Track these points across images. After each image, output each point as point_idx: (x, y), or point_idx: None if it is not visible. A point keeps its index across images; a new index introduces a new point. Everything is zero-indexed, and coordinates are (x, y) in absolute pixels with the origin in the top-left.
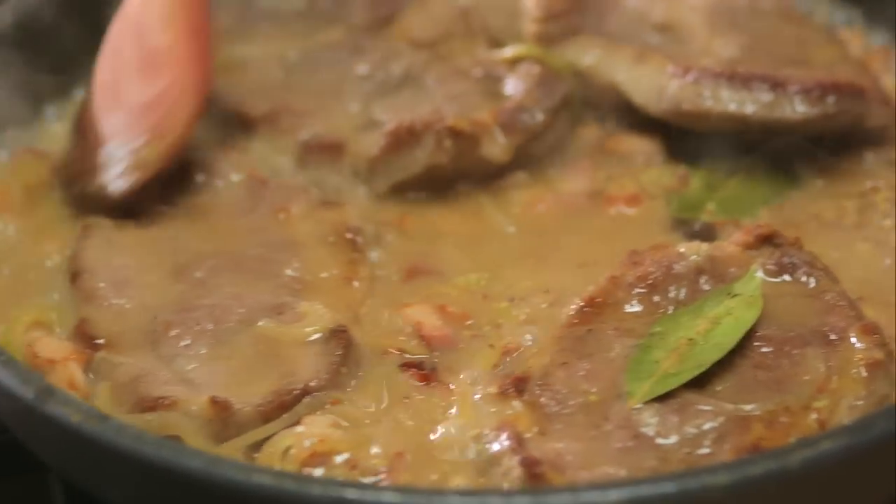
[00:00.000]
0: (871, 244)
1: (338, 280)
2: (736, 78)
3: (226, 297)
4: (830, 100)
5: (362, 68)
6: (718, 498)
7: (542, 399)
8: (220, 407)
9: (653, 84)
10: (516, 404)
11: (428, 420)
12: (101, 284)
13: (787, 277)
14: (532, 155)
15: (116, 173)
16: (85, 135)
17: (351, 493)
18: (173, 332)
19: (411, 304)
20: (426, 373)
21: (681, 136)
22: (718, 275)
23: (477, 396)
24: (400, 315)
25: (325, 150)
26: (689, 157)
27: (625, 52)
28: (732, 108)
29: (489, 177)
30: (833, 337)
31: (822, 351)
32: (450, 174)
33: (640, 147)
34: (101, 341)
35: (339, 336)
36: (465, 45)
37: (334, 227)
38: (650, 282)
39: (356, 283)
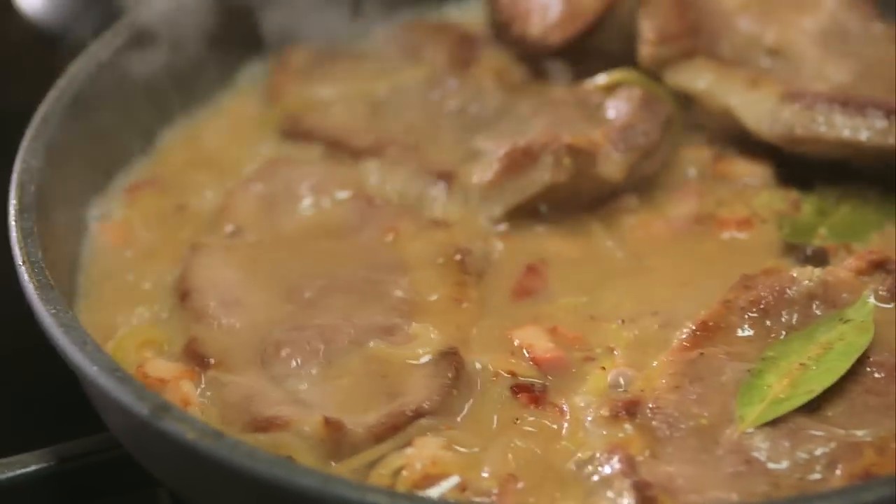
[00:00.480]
0: None
1: (447, 302)
2: (850, 104)
3: (336, 318)
4: None
5: (452, 104)
6: None
7: (654, 422)
8: (333, 427)
9: (766, 109)
10: (628, 427)
11: (539, 442)
12: (211, 303)
13: None
14: (643, 175)
15: (553, 20)
16: None
17: None
18: (284, 352)
19: (522, 326)
20: (537, 395)
21: (792, 161)
22: (831, 300)
23: (589, 419)
24: (510, 337)
25: (436, 179)
26: (799, 182)
27: (738, 77)
28: (846, 134)
29: (601, 199)
30: None
31: None
32: (566, 196)
33: (752, 171)
34: (211, 360)
35: (449, 358)
36: (547, 83)
37: (443, 248)
38: (762, 306)
39: (465, 305)
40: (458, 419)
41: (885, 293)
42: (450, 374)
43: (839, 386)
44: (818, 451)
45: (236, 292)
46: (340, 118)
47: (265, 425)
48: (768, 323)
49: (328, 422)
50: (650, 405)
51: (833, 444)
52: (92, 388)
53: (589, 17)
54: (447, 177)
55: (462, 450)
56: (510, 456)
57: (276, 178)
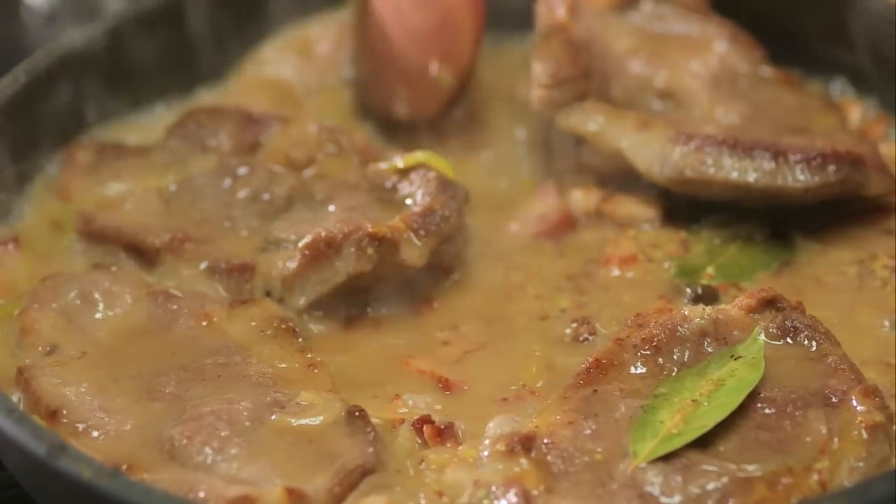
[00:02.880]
0: (870, 307)
1: (302, 368)
2: (738, 146)
3: (218, 403)
4: (831, 169)
5: (244, 192)
6: None
7: (549, 457)
8: (295, 496)
9: (656, 151)
10: (524, 462)
11: (451, 481)
12: (85, 416)
13: (789, 340)
14: (445, 257)
15: (419, 98)
16: (374, 63)
17: None
18: (196, 441)
19: (412, 357)
20: (439, 427)
21: (681, 202)
22: (722, 337)
23: (485, 453)
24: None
25: (234, 274)
26: (687, 222)
27: (629, 119)
28: (735, 176)
29: (404, 283)
30: (834, 399)
31: (824, 413)
32: (368, 283)
33: (640, 211)
34: (123, 466)
35: (359, 415)
36: (338, 162)
37: (265, 321)
38: (655, 344)
39: (317, 370)
40: (390, 471)
41: (775, 330)
42: (368, 429)
43: (731, 422)
44: (710, 486)
45: (96, 403)
46: (133, 215)
47: None
48: (661, 360)
49: (290, 491)
50: (545, 440)
51: (725, 479)
52: None
53: (448, 92)
54: (246, 269)
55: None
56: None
57: (61, 292)
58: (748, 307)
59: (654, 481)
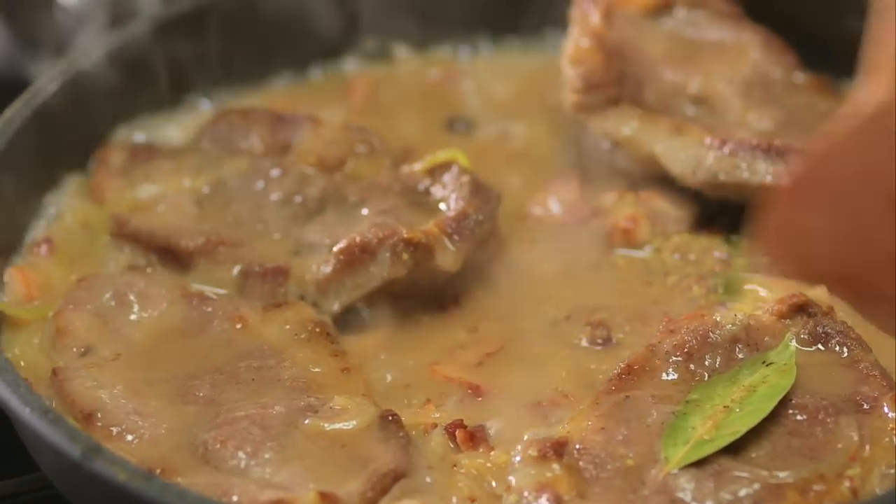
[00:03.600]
0: None
1: (335, 372)
2: (772, 150)
3: (252, 407)
4: None
5: (276, 194)
6: None
7: (581, 463)
8: (329, 500)
9: (690, 155)
10: (555, 467)
11: (481, 486)
12: (119, 419)
13: (820, 346)
14: (478, 263)
15: None
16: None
17: None
18: (230, 446)
19: (437, 364)
20: (472, 432)
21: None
22: (753, 343)
23: (517, 458)
24: (434, 374)
25: (268, 277)
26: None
27: (663, 124)
28: (769, 180)
29: (438, 287)
30: (866, 406)
31: (855, 419)
32: (403, 288)
33: (671, 210)
34: (157, 470)
35: (392, 420)
36: (370, 163)
37: (299, 324)
38: (686, 350)
39: (353, 372)
40: (423, 475)
41: (806, 336)
42: (401, 434)
43: (762, 428)
44: (742, 492)
45: (131, 406)
46: (166, 218)
47: None
48: (692, 366)
49: (324, 495)
50: (577, 446)
51: (756, 486)
52: (24, 429)
53: None
54: (280, 273)
55: None
56: None
57: (96, 293)
58: (779, 313)
59: (685, 487)
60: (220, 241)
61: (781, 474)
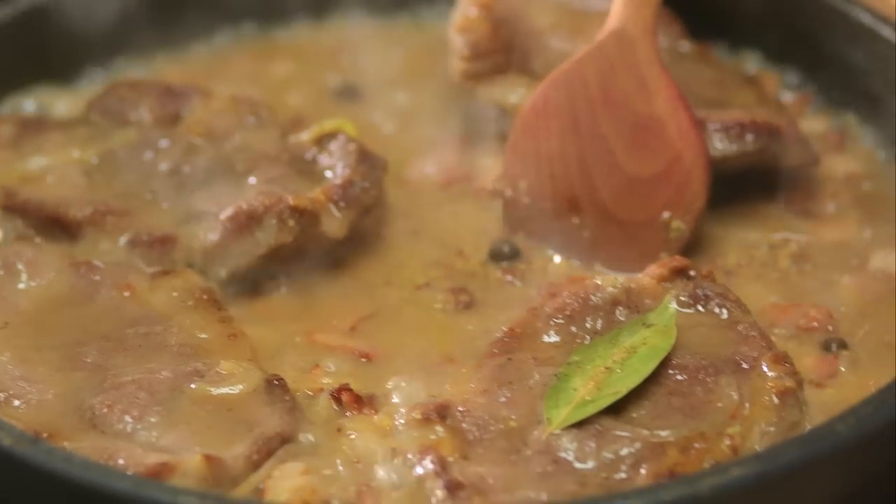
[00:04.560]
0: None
1: (222, 337)
2: None
3: (139, 373)
4: (749, 138)
5: (165, 165)
6: None
7: (464, 425)
8: (213, 463)
9: None
10: (439, 430)
11: (365, 448)
12: (2, 386)
13: (700, 308)
14: (365, 230)
15: (645, 251)
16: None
17: None
18: (116, 410)
19: (315, 332)
20: (357, 396)
21: None
22: (634, 306)
23: (401, 421)
24: (313, 342)
25: (155, 246)
26: None
27: None
28: None
29: (326, 254)
30: (745, 366)
31: (735, 379)
32: (289, 255)
33: None
34: (44, 434)
35: (278, 384)
36: (258, 134)
37: (186, 292)
38: (567, 313)
39: (239, 338)
40: (308, 439)
41: (686, 299)
42: (286, 398)
43: (644, 388)
44: (623, 452)
45: (18, 372)
46: (56, 189)
47: (156, 472)
48: (573, 329)
49: (209, 458)
50: (460, 408)
51: (638, 445)
52: None
53: (680, 242)
54: (168, 241)
55: (316, 470)
56: (350, 468)
57: None
58: (660, 276)
59: (568, 447)
60: (108, 211)
61: (662, 433)
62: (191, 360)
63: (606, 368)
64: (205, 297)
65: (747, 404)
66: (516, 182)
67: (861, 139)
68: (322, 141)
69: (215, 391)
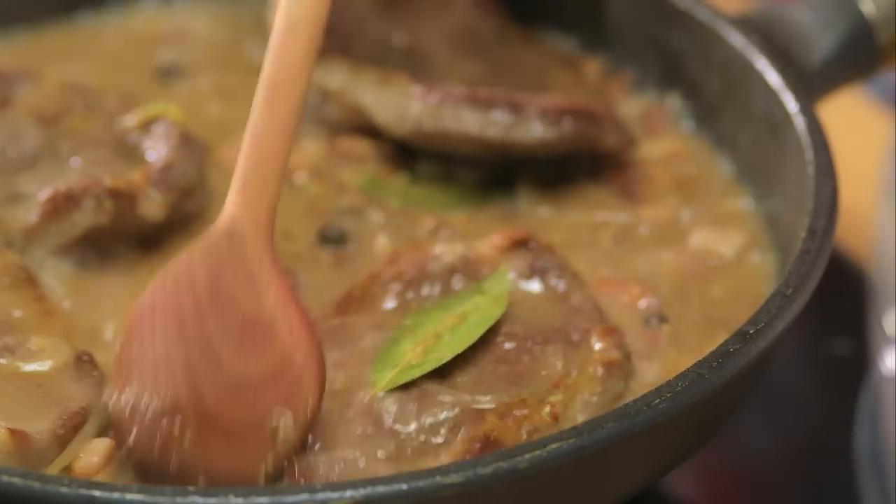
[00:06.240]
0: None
1: (36, 315)
2: (477, 100)
3: None
4: (567, 122)
5: None
6: (450, 496)
7: None
8: (18, 437)
9: (396, 105)
10: None
11: None
12: None
13: (537, 279)
14: (186, 213)
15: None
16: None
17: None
18: None
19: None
20: None
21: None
22: (472, 274)
23: None
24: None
25: None
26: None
27: (370, 75)
28: (473, 129)
29: (147, 237)
30: (575, 337)
31: (562, 349)
32: (109, 235)
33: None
34: None
35: (87, 360)
36: (86, 119)
37: (3, 269)
38: (405, 279)
39: (53, 317)
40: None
41: (524, 269)
42: (95, 373)
43: (472, 355)
44: (443, 416)
45: None
46: None
47: None
48: (410, 295)
49: (13, 432)
50: None
51: (458, 410)
52: None
53: (289, 447)
54: None
55: None
56: None
57: None
58: (499, 246)
59: (389, 409)
60: None
61: (484, 398)
62: (2, 337)
63: (436, 334)
64: (21, 275)
65: (573, 373)
66: (122, 393)
67: (680, 121)
68: (146, 125)
69: (25, 367)
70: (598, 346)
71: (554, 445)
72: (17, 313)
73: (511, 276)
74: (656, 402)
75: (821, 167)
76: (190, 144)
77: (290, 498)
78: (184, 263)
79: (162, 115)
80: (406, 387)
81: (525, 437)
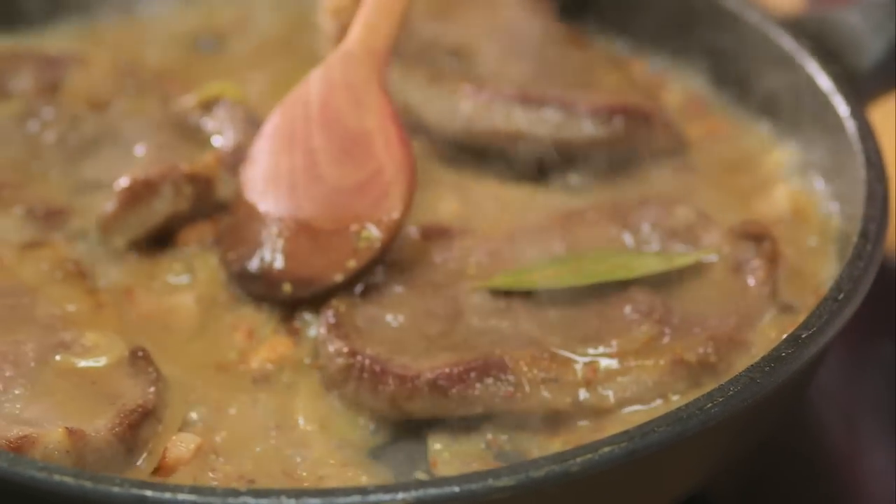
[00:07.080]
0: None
1: (90, 309)
2: (528, 98)
3: (4, 345)
4: (618, 121)
5: (50, 135)
6: (502, 499)
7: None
8: (76, 436)
9: (446, 104)
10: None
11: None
12: None
13: (733, 272)
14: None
15: (341, 259)
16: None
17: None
18: None
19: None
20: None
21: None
22: (691, 240)
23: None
24: None
25: (51, 217)
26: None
27: (419, 74)
28: (524, 128)
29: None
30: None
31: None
32: (180, 224)
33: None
34: None
35: (143, 356)
36: (140, 100)
37: (56, 263)
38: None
39: (107, 309)
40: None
41: (732, 260)
42: (150, 369)
43: (589, 301)
44: (497, 329)
45: None
46: None
47: (18, 445)
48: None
49: (71, 432)
50: None
51: (509, 332)
52: None
53: (371, 252)
54: (63, 213)
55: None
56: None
57: None
58: (735, 231)
59: (471, 301)
60: (2, 184)
61: (543, 337)
62: (57, 332)
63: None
64: (73, 268)
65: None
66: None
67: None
68: (207, 105)
69: (80, 363)
70: (698, 350)
71: (606, 449)
72: (71, 308)
73: (713, 258)
74: (708, 406)
75: (872, 171)
76: (255, 124)
77: (342, 499)
78: (303, 85)
79: (221, 95)
80: (501, 296)
81: (540, 384)
